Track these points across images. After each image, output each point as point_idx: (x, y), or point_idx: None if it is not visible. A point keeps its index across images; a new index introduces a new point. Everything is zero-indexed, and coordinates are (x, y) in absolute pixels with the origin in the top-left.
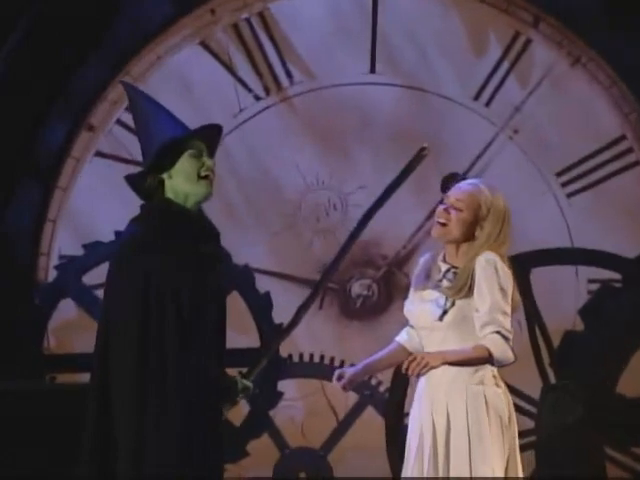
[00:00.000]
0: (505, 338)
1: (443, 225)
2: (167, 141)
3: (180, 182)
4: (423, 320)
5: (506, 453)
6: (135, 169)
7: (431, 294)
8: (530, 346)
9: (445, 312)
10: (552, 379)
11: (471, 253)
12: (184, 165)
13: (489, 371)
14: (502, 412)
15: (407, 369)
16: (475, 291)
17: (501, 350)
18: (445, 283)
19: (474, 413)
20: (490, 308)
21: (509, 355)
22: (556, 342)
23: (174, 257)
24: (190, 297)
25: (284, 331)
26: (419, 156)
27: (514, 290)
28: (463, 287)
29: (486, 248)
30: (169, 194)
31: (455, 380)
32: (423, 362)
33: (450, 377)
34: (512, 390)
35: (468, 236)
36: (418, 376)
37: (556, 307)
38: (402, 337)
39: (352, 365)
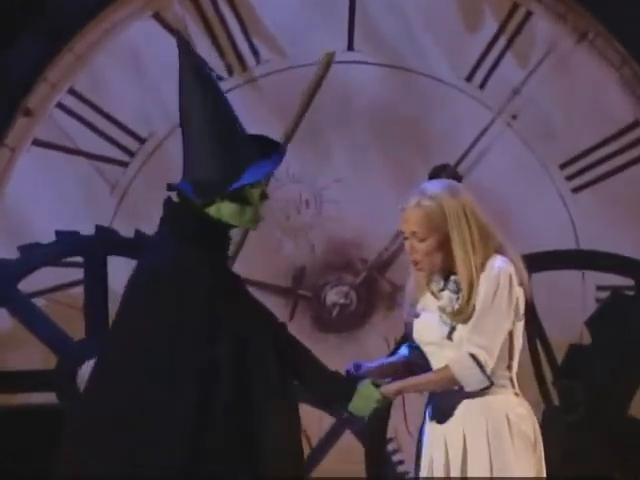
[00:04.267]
0: (477, 362)
1: (417, 263)
2: (249, 183)
3: (225, 215)
4: (429, 336)
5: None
6: (78, 160)
7: (433, 304)
8: (530, 362)
9: (453, 329)
10: (555, 399)
11: (461, 263)
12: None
13: (511, 390)
14: (527, 434)
15: None
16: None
17: (466, 374)
18: (447, 294)
19: (495, 433)
20: (477, 325)
21: (476, 380)
22: (560, 357)
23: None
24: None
25: None
26: (328, 59)
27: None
28: (471, 312)
29: (475, 249)
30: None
31: (472, 396)
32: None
33: (466, 394)
34: None
35: (448, 253)
36: None
37: (560, 317)
38: (404, 352)
39: None
